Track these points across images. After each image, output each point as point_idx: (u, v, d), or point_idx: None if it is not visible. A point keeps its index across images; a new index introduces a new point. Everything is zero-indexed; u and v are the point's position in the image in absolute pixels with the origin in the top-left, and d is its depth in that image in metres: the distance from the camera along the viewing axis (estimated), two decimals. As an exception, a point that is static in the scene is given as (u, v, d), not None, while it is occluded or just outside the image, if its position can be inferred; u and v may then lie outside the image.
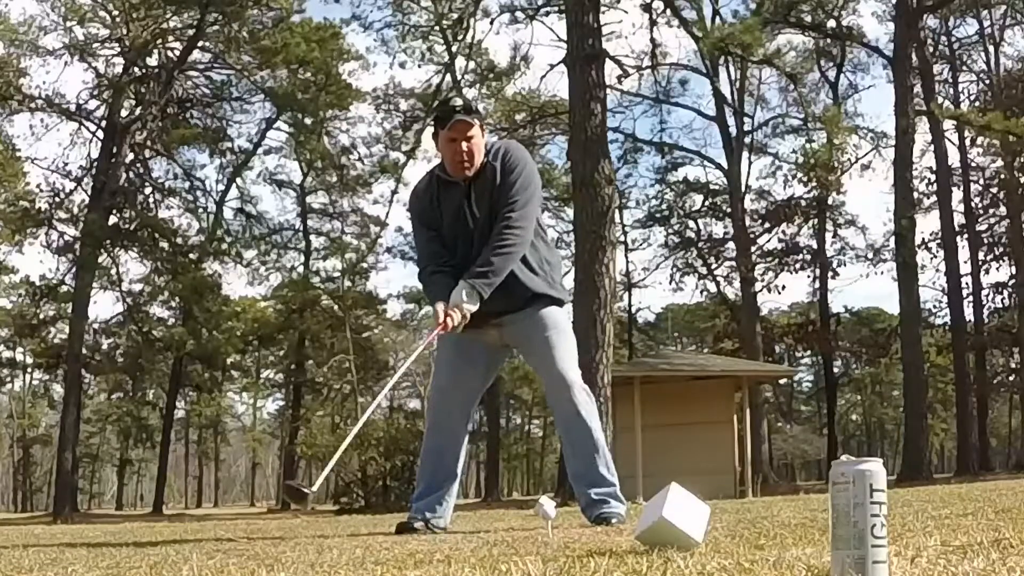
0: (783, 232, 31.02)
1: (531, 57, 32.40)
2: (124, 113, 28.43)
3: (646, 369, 17.66)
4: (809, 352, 39.51)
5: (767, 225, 31.03)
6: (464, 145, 3.73)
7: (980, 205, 32.04)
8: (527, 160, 3.87)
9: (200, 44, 28.72)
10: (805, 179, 27.78)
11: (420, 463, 4.00)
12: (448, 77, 27.69)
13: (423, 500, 3.88)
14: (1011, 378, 35.65)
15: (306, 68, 28.94)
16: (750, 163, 30.85)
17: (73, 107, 28.69)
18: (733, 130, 29.03)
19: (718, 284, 32.58)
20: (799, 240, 31.40)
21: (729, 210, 29.66)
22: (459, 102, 3.82)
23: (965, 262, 30.38)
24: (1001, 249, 30.72)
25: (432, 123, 3.94)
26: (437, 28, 27.47)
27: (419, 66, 30.92)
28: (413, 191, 4.07)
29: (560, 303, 3.93)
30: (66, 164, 29.71)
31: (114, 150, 27.61)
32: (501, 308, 3.77)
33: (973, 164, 31.69)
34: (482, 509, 11.67)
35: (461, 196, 3.81)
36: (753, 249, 29.70)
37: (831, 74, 31.69)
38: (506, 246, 3.71)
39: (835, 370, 37.70)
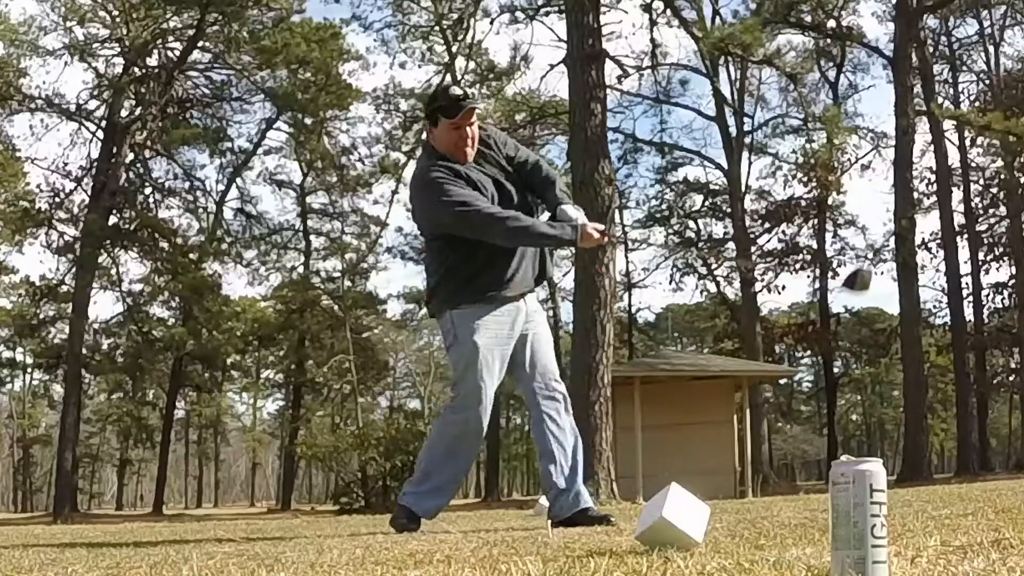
0: (783, 232, 31.02)
1: (531, 57, 32.32)
2: (124, 113, 28.46)
3: (646, 369, 17.66)
4: (809, 352, 39.46)
5: (767, 225, 31.02)
6: (469, 130, 3.76)
7: (980, 205, 32.06)
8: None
9: (200, 44, 28.74)
10: (805, 179, 27.84)
11: (435, 464, 3.85)
12: (448, 77, 27.70)
13: (412, 492, 3.87)
14: (1011, 378, 35.63)
15: (306, 68, 28.95)
16: (750, 163, 30.87)
17: (73, 107, 28.76)
18: (733, 130, 29.01)
19: (718, 284, 32.58)
20: (799, 240, 31.39)
21: (729, 210, 29.66)
22: (459, 92, 3.81)
23: (965, 262, 30.43)
24: (1001, 249, 30.73)
25: (430, 112, 3.84)
26: (437, 28, 27.50)
27: (419, 66, 30.99)
28: (441, 170, 3.73)
29: None
30: (66, 164, 29.80)
31: (114, 150, 27.63)
32: (531, 283, 3.92)
33: (973, 164, 31.71)
34: (482, 509, 11.67)
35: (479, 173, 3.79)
36: (753, 249, 29.69)
37: (831, 74, 31.69)
38: (554, 177, 3.90)
39: (835, 370, 37.68)
